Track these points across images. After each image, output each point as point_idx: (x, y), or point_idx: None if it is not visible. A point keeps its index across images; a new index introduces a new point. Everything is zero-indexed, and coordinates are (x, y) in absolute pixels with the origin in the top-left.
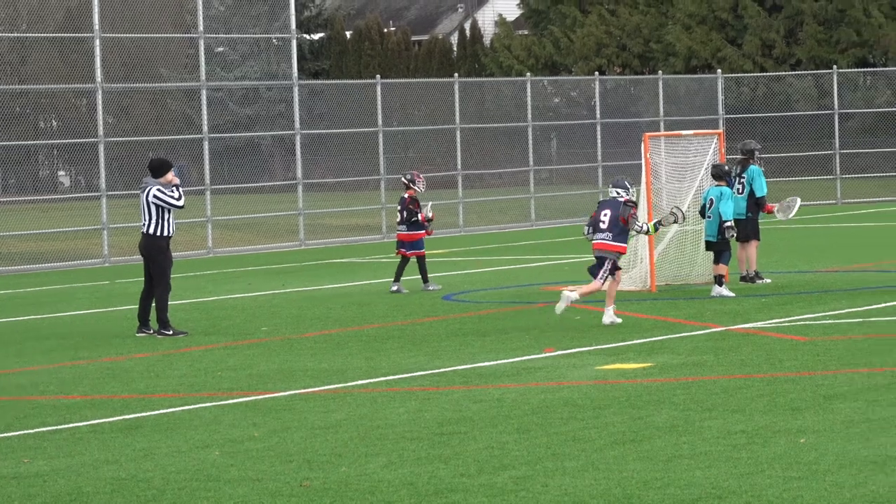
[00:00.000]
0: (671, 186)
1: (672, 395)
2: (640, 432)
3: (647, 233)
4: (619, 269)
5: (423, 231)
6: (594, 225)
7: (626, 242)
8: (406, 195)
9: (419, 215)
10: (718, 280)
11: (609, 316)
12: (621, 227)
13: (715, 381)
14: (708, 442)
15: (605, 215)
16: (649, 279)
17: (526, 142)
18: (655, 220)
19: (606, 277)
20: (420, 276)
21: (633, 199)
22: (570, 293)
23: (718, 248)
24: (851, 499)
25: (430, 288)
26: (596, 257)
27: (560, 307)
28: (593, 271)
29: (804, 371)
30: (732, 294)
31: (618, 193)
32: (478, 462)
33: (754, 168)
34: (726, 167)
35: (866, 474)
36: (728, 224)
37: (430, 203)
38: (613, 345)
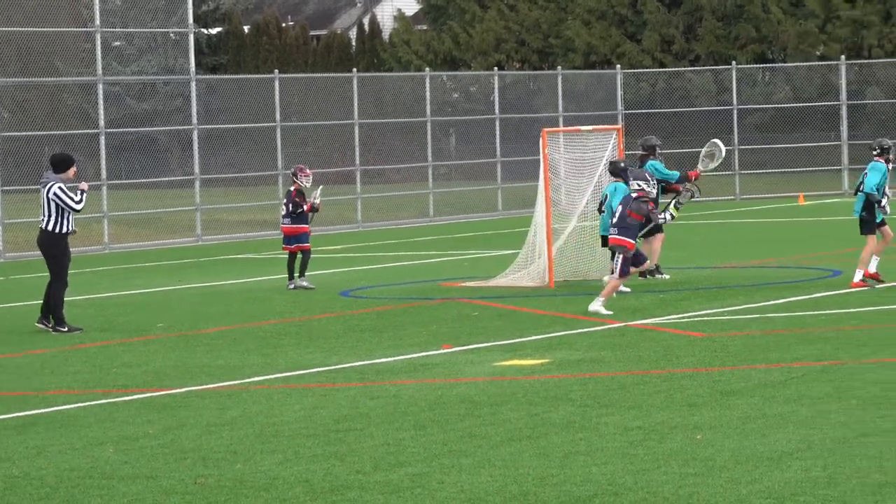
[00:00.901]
0: (570, 182)
1: (569, 391)
2: (536, 429)
3: (672, 218)
4: (632, 265)
5: (307, 225)
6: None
7: (633, 238)
8: (293, 188)
9: (304, 206)
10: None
11: (597, 305)
12: (630, 222)
13: (612, 378)
14: (604, 438)
15: (619, 210)
16: (547, 275)
17: (425, 137)
18: (672, 203)
19: (619, 272)
20: (298, 270)
21: (652, 192)
22: (599, 308)
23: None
24: (747, 495)
25: (303, 284)
26: (610, 248)
27: (595, 309)
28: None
29: (701, 367)
30: (628, 289)
31: (638, 185)
32: (374, 459)
33: (652, 163)
34: (622, 164)
35: (762, 470)
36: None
37: (319, 189)
38: (511, 341)
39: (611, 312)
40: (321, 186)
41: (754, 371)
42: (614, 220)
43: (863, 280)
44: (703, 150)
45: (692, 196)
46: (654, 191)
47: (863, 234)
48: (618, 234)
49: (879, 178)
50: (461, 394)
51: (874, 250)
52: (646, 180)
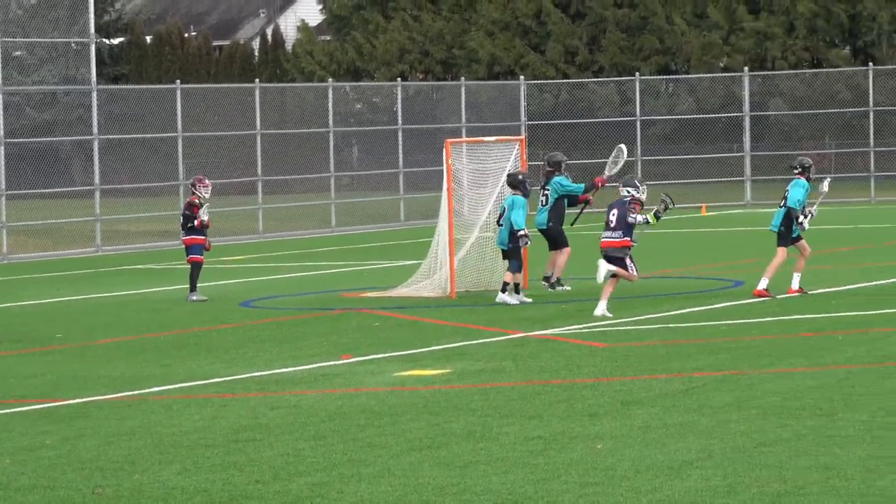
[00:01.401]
0: (473, 193)
1: (470, 401)
2: (436, 438)
3: (647, 223)
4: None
5: (201, 237)
6: (606, 225)
7: (631, 237)
8: (193, 200)
9: (196, 221)
10: (503, 286)
11: (601, 309)
12: (627, 226)
13: (513, 388)
14: (505, 448)
15: (613, 215)
16: (449, 285)
17: (327, 147)
18: (653, 211)
19: (634, 269)
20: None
21: (642, 198)
22: (603, 312)
23: (509, 255)
24: None
25: (193, 298)
26: (607, 257)
27: (601, 277)
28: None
29: (602, 377)
30: (516, 301)
31: (627, 192)
32: (273, 469)
33: (558, 179)
34: (521, 176)
35: (662, 479)
36: (522, 233)
37: (206, 206)
38: (412, 351)
39: (611, 315)
40: (207, 205)
41: (655, 381)
42: (612, 223)
43: (766, 289)
44: (611, 156)
45: (666, 208)
46: (644, 195)
47: (778, 246)
48: (623, 237)
49: (802, 194)
50: (361, 404)
51: (781, 263)
52: (636, 187)
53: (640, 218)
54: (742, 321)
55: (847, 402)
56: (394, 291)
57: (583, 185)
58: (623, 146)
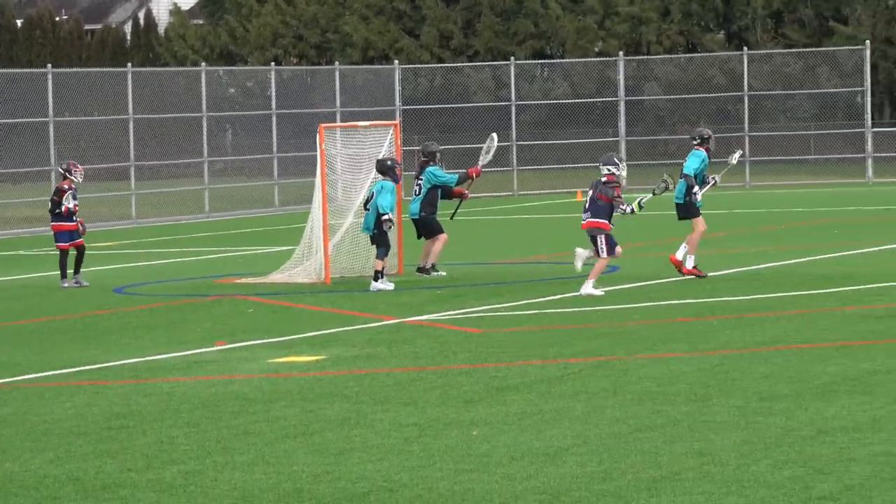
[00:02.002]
0: (347, 178)
1: (344, 387)
2: (311, 425)
3: (632, 213)
4: (616, 244)
5: (69, 223)
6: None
7: (607, 219)
8: (64, 184)
9: (63, 207)
10: (375, 275)
11: (588, 288)
12: (600, 205)
13: (388, 374)
14: (380, 435)
15: (588, 195)
16: (324, 271)
17: (200, 132)
18: (644, 198)
19: (605, 250)
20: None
21: (622, 174)
22: (591, 290)
23: (376, 241)
24: (523, 491)
25: (64, 285)
26: (590, 237)
27: (579, 265)
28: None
29: (477, 363)
30: (391, 286)
31: (608, 171)
32: (146, 457)
33: (431, 170)
34: (389, 162)
35: (537, 466)
36: (386, 217)
37: (70, 193)
38: (286, 338)
39: (602, 293)
40: (73, 190)
41: (531, 367)
42: (586, 205)
43: (695, 267)
44: (484, 145)
45: (666, 189)
46: (624, 173)
47: (685, 218)
48: (592, 218)
49: (698, 164)
50: (235, 391)
51: (695, 240)
52: (615, 164)
53: (628, 209)
54: (618, 306)
55: (722, 387)
56: (268, 277)
57: (456, 177)
58: (494, 135)
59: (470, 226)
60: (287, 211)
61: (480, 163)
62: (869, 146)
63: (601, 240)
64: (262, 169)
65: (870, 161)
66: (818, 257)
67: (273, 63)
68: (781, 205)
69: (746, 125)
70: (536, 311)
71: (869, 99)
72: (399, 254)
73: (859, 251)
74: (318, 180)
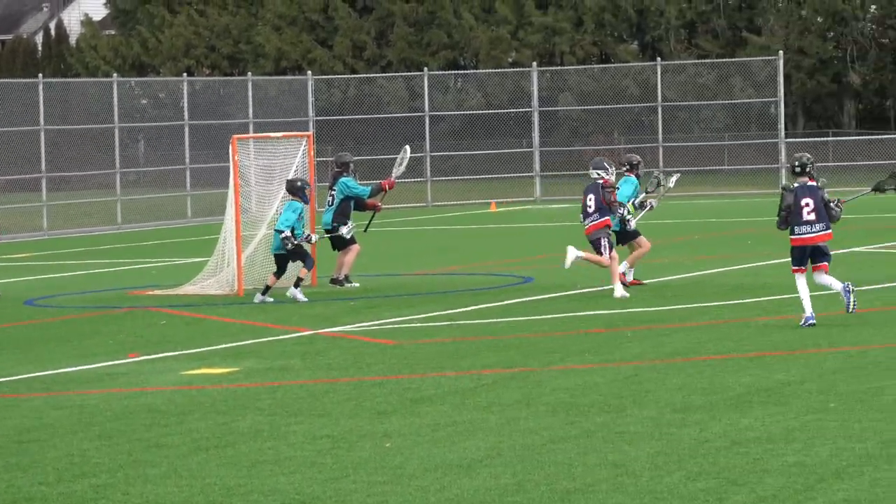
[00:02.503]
0: (260, 189)
1: (257, 399)
2: (223, 438)
3: (628, 214)
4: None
5: None
6: (583, 211)
7: (610, 216)
8: None
9: None
10: (296, 281)
11: (620, 290)
12: (602, 208)
13: (301, 386)
14: (293, 447)
15: (591, 199)
16: (237, 282)
17: (112, 143)
18: (639, 198)
19: (608, 250)
20: None
21: (612, 178)
22: (578, 253)
23: (297, 257)
24: (436, 503)
25: None
26: (591, 241)
27: (568, 263)
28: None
29: (391, 375)
30: (305, 299)
31: (598, 175)
32: (57, 470)
33: (345, 180)
34: (299, 183)
35: (451, 478)
36: (283, 235)
37: None
38: (199, 349)
39: (628, 294)
40: None
41: (444, 378)
42: (589, 209)
43: (635, 279)
44: (398, 157)
45: (658, 184)
46: (613, 176)
47: (625, 242)
48: (599, 219)
49: (632, 191)
50: (147, 403)
51: (638, 256)
52: (605, 168)
53: (624, 211)
54: (531, 318)
55: (635, 398)
56: (181, 289)
57: (369, 189)
58: (407, 147)
59: (384, 237)
60: (200, 222)
61: (394, 175)
62: (782, 156)
63: (605, 242)
64: (174, 180)
65: (783, 171)
66: (732, 268)
67: (185, 74)
68: (695, 215)
69: (660, 135)
70: (450, 323)
71: (782, 109)
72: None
73: (773, 261)
74: (230, 192)
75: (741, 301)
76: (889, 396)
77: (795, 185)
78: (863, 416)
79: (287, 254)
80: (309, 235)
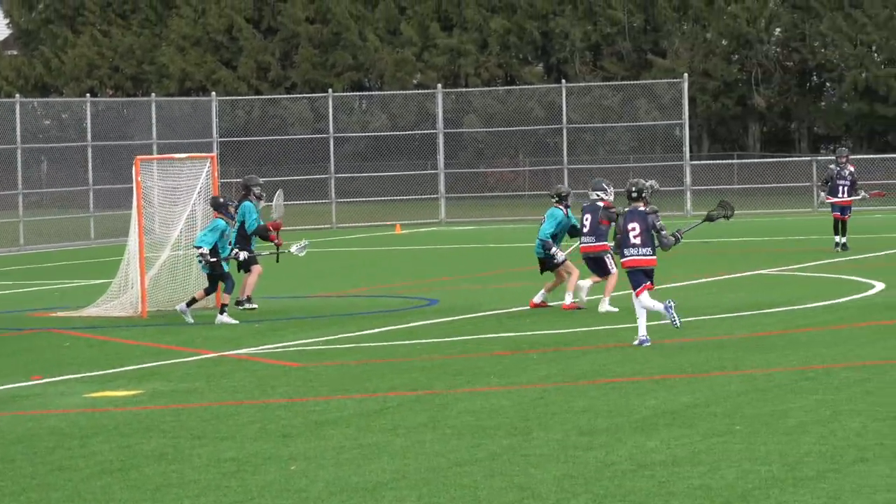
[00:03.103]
0: (164, 210)
1: (162, 422)
2: (128, 461)
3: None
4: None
5: None
6: (577, 230)
7: (606, 240)
8: None
9: None
10: (221, 308)
11: (605, 306)
12: (602, 229)
13: (205, 408)
14: (197, 470)
15: (587, 220)
16: (140, 304)
17: (15, 164)
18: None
19: (613, 265)
20: None
21: (610, 199)
22: (606, 307)
23: (220, 277)
24: None
25: None
26: (586, 260)
27: (605, 310)
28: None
29: (296, 397)
30: (236, 321)
31: (598, 196)
32: None
33: (248, 204)
34: (221, 199)
35: (356, 501)
36: (198, 252)
37: None
38: (103, 372)
39: (617, 309)
40: None
41: (350, 401)
42: (586, 229)
43: (574, 302)
44: (273, 201)
45: (652, 189)
46: (612, 197)
47: (547, 270)
48: (595, 242)
49: (552, 226)
50: (51, 426)
51: (574, 278)
52: (604, 189)
53: (555, 249)
54: (436, 340)
55: (541, 421)
56: (84, 311)
57: (256, 225)
58: (281, 190)
59: (288, 259)
60: (104, 244)
61: (275, 217)
62: (687, 179)
63: (608, 258)
64: (78, 201)
65: (688, 193)
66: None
67: (89, 94)
68: None
69: (566, 157)
70: (354, 345)
71: (687, 132)
72: (217, 287)
73: (676, 284)
74: (134, 213)
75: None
76: (793, 419)
77: (627, 209)
78: (768, 439)
79: (209, 274)
80: (237, 253)
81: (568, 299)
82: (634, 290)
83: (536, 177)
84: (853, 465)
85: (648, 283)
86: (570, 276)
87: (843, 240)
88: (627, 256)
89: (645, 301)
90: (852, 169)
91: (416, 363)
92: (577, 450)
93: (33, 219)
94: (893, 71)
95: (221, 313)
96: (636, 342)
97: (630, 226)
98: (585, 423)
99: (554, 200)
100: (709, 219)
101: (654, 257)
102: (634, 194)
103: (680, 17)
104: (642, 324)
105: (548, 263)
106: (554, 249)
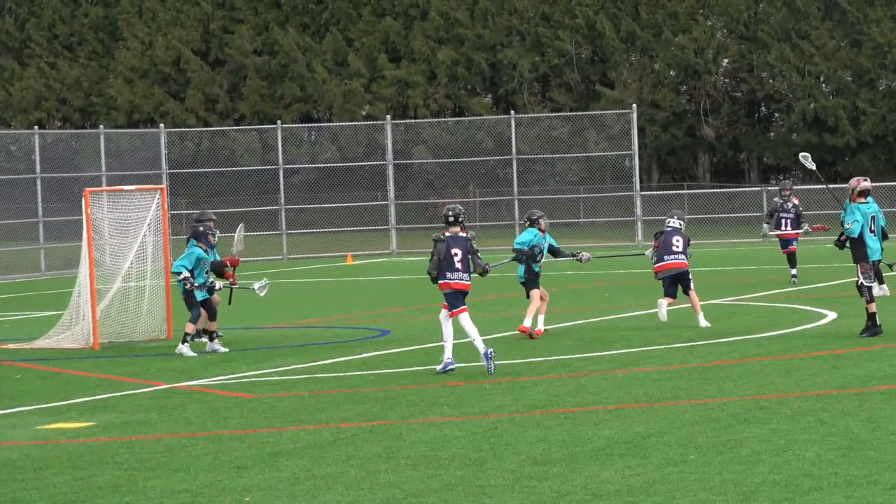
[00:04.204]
0: (115, 242)
1: (115, 454)
2: (81, 493)
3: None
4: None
5: None
6: (668, 248)
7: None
8: None
9: None
10: (183, 337)
11: (703, 321)
12: (685, 251)
13: (159, 440)
14: (152, 502)
15: (678, 242)
16: (92, 336)
17: None
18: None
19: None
20: None
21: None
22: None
23: (186, 304)
24: None
25: None
26: (681, 275)
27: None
28: (670, 292)
29: (249, 428)
30: (193, 353)
31: (681, 224)
32: None
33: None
34: (201, 227)
35: None
36: (180, 276)
37: None
38: (55, 404)
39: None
40: None
41: (303, 432)
42: (675, 248)
43: (529, 327)
44: (236, 236)
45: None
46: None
47: (529, 290)
48: (685, 260)
49: (530, 237)
50: (3, 458)
51: (539, 307)
52: (681, 217)
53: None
54: (390, 370)
55: (495, 451)
56: (35, 343)
57: (217, 259)
58: (242, 224)
59: (240, 290)
60: (54, 275)
61: (234, 252)
62: (638, 209)
63: (691, 277)
64: (27, 233)
65: (639, 224)
66: (590, 320)
67: (37, 126)
68: (553, 268)
69: (515, 188)
70: (307, 376)
71: (637, 162)
72: (168, 319)
73: (630, 314)
74: (84, 245)
75: (599, 353)
76: (747, 448)
77: (447, 234)
78: (722, 468)
79: (184, 298)
80: (213, 283)
81: (527, 322)
82: (455, 308)
83: (487, 207)
84: (808, 493)
85: (465, 306)
86: (532, 302)
87: (793, 271)
88: (451, 279)
89: (465, 322)
90: (797, 202)
91: (369, 394)
92: (532, 480)
93: None
94: (841, 101)
95: (183, 342)
96: (440, 368)
97: (453, 251)
98: (540, 454)
99: (528, 225)
100: (517, 259)
101: (469, 283)
102: (451, 219)
103: (627, 48)
104: (448, 347)
105: (530, 282)
106: (538, 254)
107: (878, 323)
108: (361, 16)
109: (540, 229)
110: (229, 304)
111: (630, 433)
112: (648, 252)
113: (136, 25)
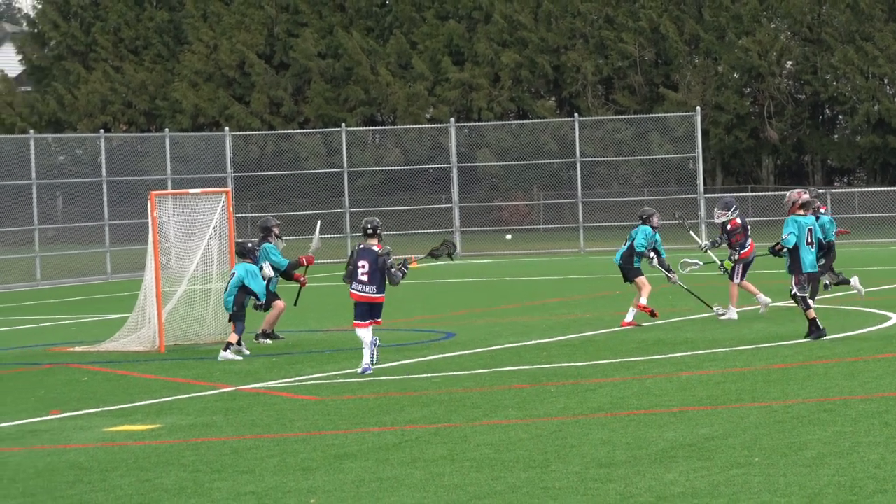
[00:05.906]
0: (180, 245)
1: (181, 456)
2: (147, 495)
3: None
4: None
5: None
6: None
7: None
8: None
9: None
10: (226, 345)
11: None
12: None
13: (224, 442)
14: None
15: (363, 265)
16: (158, 339)
17: (30, 200)
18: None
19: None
20: None
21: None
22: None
23: (234, 317)
24: None
25: None
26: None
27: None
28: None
29: (314, 431)
30: (240, 357)
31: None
32: None
33: (268, 246)
34: (249, 245)
35: None
36: (259, 304)
37: None
38: (121, 406)
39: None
40: None
41: (368, 434)
42: (746, 243)
43: (633, 320)
44: (315, 233)
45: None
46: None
47: (630, 280)
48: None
49: (644, 237)
50: (70, 460)
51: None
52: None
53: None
54: (454, 373)
55: (559, 453)
56: (102, 346)
57: (287, 262)
58: (319, 221)
59: (306, 292)
60: (120, 278)
61: (311, 250)
62: (702, 211)
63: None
64: (94, 236)
65: (703, 226)
66: (654, 323)
67: (102, 130)
68: (615, 270)
69: (580, 191)
70: (372, 379)
71: (701, 164)
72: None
73: (694, 317)
74: (150, 248)
75: (663, 356)
76: (812, 451)
77: (361, 245)
78: (787, 471)
79: (230, 312)
80: (259, 303)
81: (643, 301)
82: (360, 321)
83: (551, 210)
84: (872, 496)
85: (378, 319)
86: (643, 287)
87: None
88: (355, 291)
89: (359, 334)
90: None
91: (434, 396)
92: (597, 482)
93: (50, 254)
94: None
95: (226, 350)
96: (361, 371)
97: (360, 263)
98: (604, 456)
99: (641, 220)
100: (432, 256)
101: (383, 295)
102: (370, 230)
103: (691, 50)
104: (367, 354)
105: (628, 272)
106: (651, 255)
107: (822, 327)
108: (425, 19)
109: (653, 226)
110: (295, 304)
111: (694, 435)
112: (707, 243)
113: (201, 29)
